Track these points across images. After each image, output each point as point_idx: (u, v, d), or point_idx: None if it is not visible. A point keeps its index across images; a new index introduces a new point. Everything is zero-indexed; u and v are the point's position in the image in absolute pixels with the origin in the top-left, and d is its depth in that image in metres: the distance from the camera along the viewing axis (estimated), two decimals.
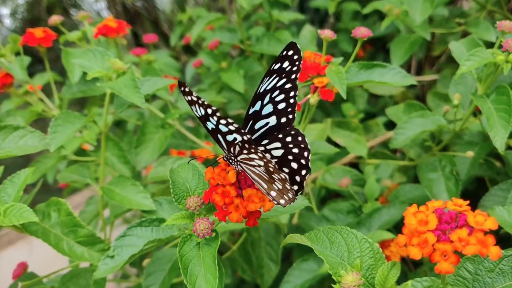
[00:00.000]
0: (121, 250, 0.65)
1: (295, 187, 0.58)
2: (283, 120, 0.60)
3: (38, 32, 1.00)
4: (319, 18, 1.99)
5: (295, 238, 0.54)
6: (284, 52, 0.59)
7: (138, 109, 1.26)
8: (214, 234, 0.57)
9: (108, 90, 0.79)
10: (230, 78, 1.33)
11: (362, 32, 0.76)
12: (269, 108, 0.60)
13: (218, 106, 1.57)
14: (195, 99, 0.53)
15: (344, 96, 0.75)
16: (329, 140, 1.18)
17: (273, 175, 0.54)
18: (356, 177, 1.08)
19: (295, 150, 0.57)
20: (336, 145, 1.22)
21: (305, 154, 0.57)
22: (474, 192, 1.26)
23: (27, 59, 1.09)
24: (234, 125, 0.54)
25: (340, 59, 0.83)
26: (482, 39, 1.01)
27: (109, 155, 0.94)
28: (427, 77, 1.48)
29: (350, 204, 1.03)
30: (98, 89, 0.95)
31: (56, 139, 0.74)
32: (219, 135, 0.56)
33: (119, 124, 1.49)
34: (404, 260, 0.98)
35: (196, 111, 0.55)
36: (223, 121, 0.54)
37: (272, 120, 0.60)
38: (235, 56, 1.85)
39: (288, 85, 0.59)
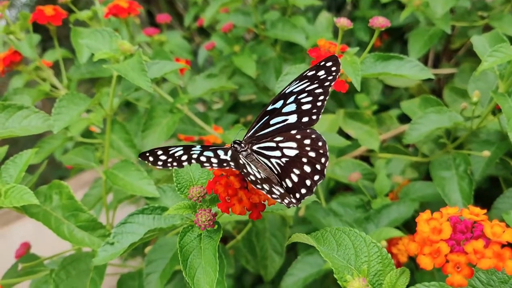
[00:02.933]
0: (121, 237, 0.63)
1: (303, 191, 0.55)
2: (305, 119, 0.58)
3: (48, 10, 0.98)
4: (336, 5, 1.94)
5: (301, 238, 0.51)
6: (322, 63, 0.58)
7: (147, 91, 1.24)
8: (216, 226, 0.55)
9: (114, 73, 0.77)
10: (242, 62, 1.30)
11: (380, 22, 0.73)
12: (291, 107, 0.59)
13: (229, 92, 1.54)
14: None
15: (358, 88, 0.72)
16: (340, 131, 1.16)
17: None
18: (366, 171, 1.05)
19: (312, 154, 0.55)
20: (347, 136, 1.19)
21: (323, 160, 0.55)
22: (487, 191, 1.22)
23: (36, 37, 1.07)
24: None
25: (356, 49, 0.80)
26: (506, 34, 0.97)
27: (116, 138, 0.92)
28: (445, 70, 1.44)
29: (359, 199, 1.00)
30: (106, 71, 0.93)
31: (59, 121, 0.72)
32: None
33: (129, 104, 1.47)
34: (412, 258, 0.95)
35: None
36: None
37: (292, 118, 0.58)
38: (249, 40, 1.82)
39: (319, 90, 0.58)
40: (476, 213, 0.42)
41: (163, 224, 0.63)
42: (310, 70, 0.58)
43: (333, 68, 0.58)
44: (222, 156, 0.53)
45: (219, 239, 0.54)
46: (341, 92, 0.76)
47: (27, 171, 0.87)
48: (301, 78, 0.59)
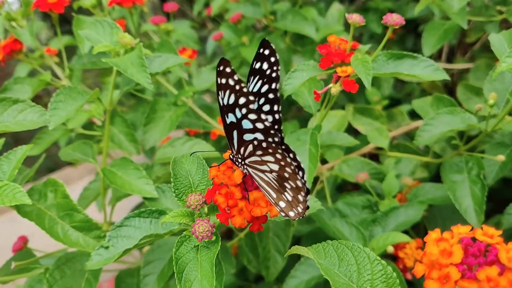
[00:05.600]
0: (116, 241, 0.61)
1: (300, 206, 0.51)
2: (270, 139, 0.51)
3: None
4: None
5: (300, 250, 0.49)
6: (261, 50, 0.51)
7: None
8: (214, 237, 0.52)
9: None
10: (250, 54, 1.27)
11: (394, 19, 0.69)
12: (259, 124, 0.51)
13: None
14: (232, 83, 0.45)
15: (369, 88, 0.69)
16: (349, 127, 1.13)
17: (285, 183, 0.48)
18: (374, 170, 1.02)
19: (288, 169, 0.49)
20: (356, 132, 1.16)
21: (301, 173, 0.50)
22: (499, 192, 1.19)
23: (38, 24, 1.04)
24: (266, 123, 0.48)
25: (367, 46, 0.76)
26: None
27: (116, 131, 0.90)
28: (459, 66, 1.40)
29: (366, 199, 0.97)
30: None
31: (55, 116, 0.69)
32: (235, 131, 0.50)
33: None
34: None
35: (223, 98, 0.48)
36: (252, 116, 0.47)
37: (259, 137, 0.51)
38: (259, 29, 1.78)
39: (271, 95, 0.52)
40: (490, 234, 0.39)
41: (160, 230, 0.60)
42: (256, 61, 0.51)
43: (272, 60, 0.51)
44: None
45: (217, 251, 0.51)
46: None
47: (26, 165, 0.86)
48: (252, 72, 0.52)
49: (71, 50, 1.22)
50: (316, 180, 1.08)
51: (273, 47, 0.51)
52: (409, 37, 1.68)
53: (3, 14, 0.96)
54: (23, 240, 0.90)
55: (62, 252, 0.81)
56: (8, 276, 0.73)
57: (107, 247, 0.60)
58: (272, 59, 0.51)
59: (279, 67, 0.51)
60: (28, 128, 0.69)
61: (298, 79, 0.74)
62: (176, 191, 0.56)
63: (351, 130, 1.19)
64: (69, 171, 2.59)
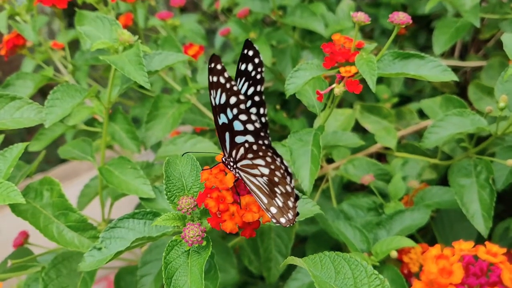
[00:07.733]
0: (109, 243, 0.59)
1: (290, 213, 0.49)
2: (261, 142, 0.50)
3: None
4: None
5: (296, 261, 0.47)
6: (245, 51, 0.50)
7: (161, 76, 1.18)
8: (205, 242, 0.51)
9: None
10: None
11: (400, 18, 0.67)
12: (249, 126, 0.50)
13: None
14: (222, 81, 0.45)
15: (374, 90, 0.67)
16: (357, 125, 1.10)
17: (275, 188, 0.46)
18: (381, 171, 0.99)
19: (278, 173, 0.48)
20: (364, 131, 1.14)
21: (288, 179, 0.48)
22: (509, 193, 1.16)
23: (42, 19, 1.03)
24: (256, 124, 0.46)
25: (373, 45, 0.74)
26: None
27: (117, 128, 0.88)
28: (472, 63, 1.36)
29: (372, 201, 0.95)
30: None
31: (52, 114, 0.68)
32: (227, 133, 0.48)
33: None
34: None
35: (215, 98, 0.46)
36: (243, 117, 0.46)
37: (250, 139, 0.50)
38: (269, 24, 1.75)
39: (257, 98, 0.51)
40: (493, 252, 0.37)
41: (153, 232, 0.59)
42: (241, 62, 0.50)
43: (256, 61, 0.49)
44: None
45: (208, 257, 0.50)
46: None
47: (25, 160, 0.85)
48: (239, 74, 0.50)
49: (78, 45, 1.21)
50: (321, 179, 1.06)
51: (257, 48, 0.50)
52: (421, 33, 1.64)
53: (7, 9, 0.96)
54: (24, 235, 0.89)
55: (63, 249, 0.81)
56: (5, 274, 0.72)
57: (100, 249, 0.59)
58: (256, 61, 0.50)
59: (263, 69, 0.50)
60: (25, 125, 0.68)
61: (301, 78, 0.72)
62: (168, 193, 0.55)
63: (359, 129, 1.16)
64: (78, 162, 2.60)
